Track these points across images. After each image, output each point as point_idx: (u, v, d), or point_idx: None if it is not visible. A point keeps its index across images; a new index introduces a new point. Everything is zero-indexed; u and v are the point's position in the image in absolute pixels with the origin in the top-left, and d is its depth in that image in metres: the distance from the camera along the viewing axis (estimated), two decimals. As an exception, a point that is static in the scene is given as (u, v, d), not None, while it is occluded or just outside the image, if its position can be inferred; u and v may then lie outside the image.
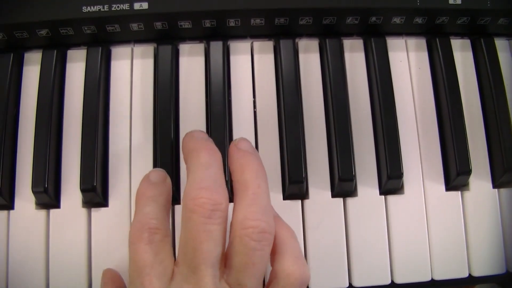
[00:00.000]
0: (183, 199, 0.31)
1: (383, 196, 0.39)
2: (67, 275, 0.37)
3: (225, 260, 0.31)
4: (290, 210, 0.38)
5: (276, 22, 0.40)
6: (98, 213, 0.38)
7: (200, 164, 0.32)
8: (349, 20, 0.40)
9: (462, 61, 0.42)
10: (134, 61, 0.41)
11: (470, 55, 0.43)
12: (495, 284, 0.53)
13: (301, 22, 0.40)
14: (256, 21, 0.40)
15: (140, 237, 0.31)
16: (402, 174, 0.38)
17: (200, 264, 0.29)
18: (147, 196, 0.33)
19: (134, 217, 0.33)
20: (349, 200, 0.39)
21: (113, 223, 0.38)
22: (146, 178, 0.34)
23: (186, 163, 0.34)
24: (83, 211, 0.38)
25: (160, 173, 0.35)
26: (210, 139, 0.35)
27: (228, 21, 0.39)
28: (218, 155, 0.33)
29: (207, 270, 0.29)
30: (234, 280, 0.30)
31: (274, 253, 0.32)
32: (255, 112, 0.40)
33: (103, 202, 0.38)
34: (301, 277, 0.31)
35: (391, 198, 0.39)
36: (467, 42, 0.43)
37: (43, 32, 0.39)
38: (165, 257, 0.31)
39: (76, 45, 0.41)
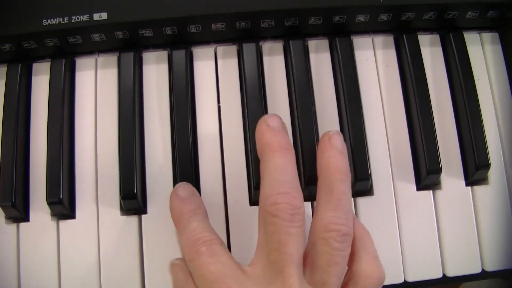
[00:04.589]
0: (261, 202, 0.31)
1: (352, 198, 0.39)
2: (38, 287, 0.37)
3: (305, 260, 0.32)
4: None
5: (237, 26, 0.39)
6: (66, 225, 0.38)
7: (276, 166, 0.32)
8: (312, 20, 0.39)
9: (432, 56, 0.41)
10: (99, 71, 0.41)
11: (439, 50, 0.42)
12: (499, 279, 0.51)
13: (263, 25, 0.39)
14: (217, 26, 0.39)
15: (199, 252, 0.31)
16: (370, 175, 0.38)
17: (285, 265, 0.30)
18: (186, 212, 0.33)
19: (181, 237, 0.32)
20: (318, 204, 0.38)
21: (81, 235, 0.38)
22: (175, 195, 0.34)
23: (260, 156, 0.34)
24: (52, 223, 0.38)
25: (187, 186, 0.35)
26: (285, 129, 0.34)
27: (189, 27, 0.39)
28: (292, 153, 0.33)
29: (292, 271, 0.30)
30: (318, 279, 0.31)
31: (352, 253, 0.32)
32: (220, 118, 0.40)
33: (70, 214, 0.38)
34: (379, 277, 0.32)
35: (360, 200, 0.39)
36: (436, 37, 0.42)
37: (7, 46, 0.39)
38: (231, 262, 0.31)
39: (42, 58, 0.41)
